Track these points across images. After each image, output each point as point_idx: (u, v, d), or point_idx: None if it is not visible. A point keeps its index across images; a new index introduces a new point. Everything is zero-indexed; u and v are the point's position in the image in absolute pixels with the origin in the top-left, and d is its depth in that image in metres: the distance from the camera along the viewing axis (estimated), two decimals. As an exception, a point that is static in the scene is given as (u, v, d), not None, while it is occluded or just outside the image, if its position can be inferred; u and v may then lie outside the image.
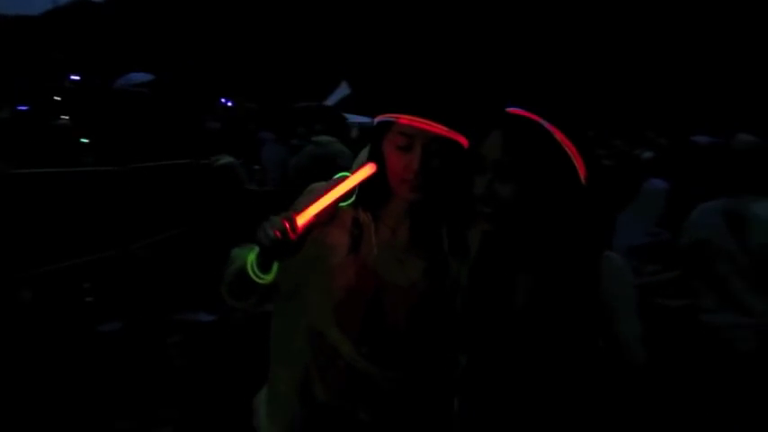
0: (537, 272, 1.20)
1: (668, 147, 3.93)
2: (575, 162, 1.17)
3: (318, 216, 1.20)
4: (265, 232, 1.13)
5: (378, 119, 1.27)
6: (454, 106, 1.22)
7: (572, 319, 1.18)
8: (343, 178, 1.25)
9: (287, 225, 1.13)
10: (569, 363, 1.19)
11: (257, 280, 1.21)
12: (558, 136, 1.15)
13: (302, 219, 1.16)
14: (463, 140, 1.22)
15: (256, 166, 5.25)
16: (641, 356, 1.22)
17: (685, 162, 3.21)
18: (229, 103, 8.21)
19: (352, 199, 1.29)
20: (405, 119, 1.20)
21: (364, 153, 1.32)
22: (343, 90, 11.59)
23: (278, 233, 1.12)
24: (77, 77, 5.95)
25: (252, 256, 1.21)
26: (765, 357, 2.16)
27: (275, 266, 1.21)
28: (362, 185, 1.26)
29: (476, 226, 1.26)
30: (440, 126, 1.19)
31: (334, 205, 1.23)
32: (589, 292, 1.18)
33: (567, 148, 1.16)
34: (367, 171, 1.24)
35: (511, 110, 1.19)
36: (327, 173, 1.35)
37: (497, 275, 1.23)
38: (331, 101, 11.67)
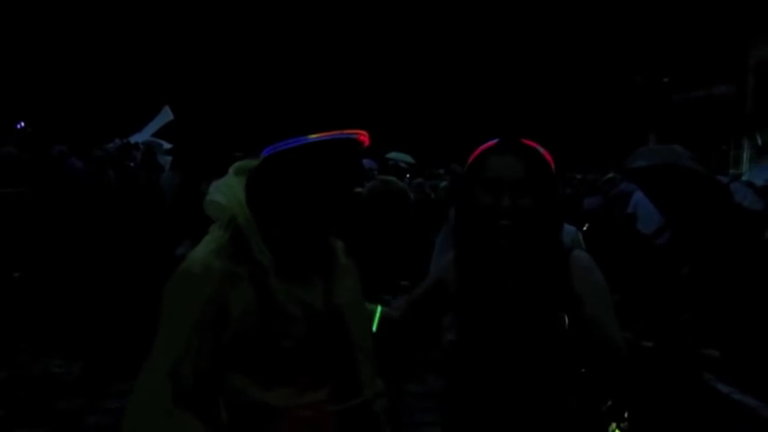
0: (520, 274, 1.39)
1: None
2: (557, 177, 1.43)
3: None
4: None
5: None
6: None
7: (550, 313, 1.34)
8: None
9: None
10: (551, 354, 1.36)
11: None
12: (548, 158, 1.42)
13: None
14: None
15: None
16: (616, 339, 1.34)
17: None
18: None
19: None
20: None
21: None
22: (165, 116, 10.78)
23: None
24: None
25: None
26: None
27: None
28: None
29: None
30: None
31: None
32: (562, 286, 1.36)
33: (552, 167, 1.42)
34: None
35: (523, 140, 1.43)
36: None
37: (488, 283, 1.41)
38: (151, 128, 10.79)
